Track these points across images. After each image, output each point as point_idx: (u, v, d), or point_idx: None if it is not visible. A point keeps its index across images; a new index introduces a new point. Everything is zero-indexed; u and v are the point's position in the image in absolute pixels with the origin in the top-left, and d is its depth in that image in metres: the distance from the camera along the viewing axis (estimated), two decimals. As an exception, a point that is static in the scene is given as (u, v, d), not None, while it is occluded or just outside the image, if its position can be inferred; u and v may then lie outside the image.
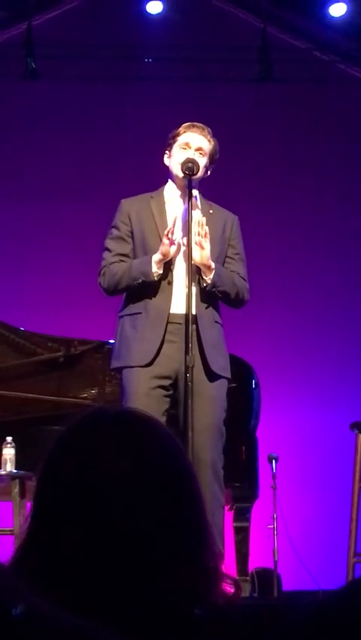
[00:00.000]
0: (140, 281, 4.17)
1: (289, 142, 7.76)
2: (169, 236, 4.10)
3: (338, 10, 7.30)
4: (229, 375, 4.27)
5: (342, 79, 7.81)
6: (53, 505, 1.26)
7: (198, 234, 4.13)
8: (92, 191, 7.45)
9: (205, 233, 4.13)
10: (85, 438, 1.29)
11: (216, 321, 4.27)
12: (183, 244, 4.15)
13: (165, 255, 4.13)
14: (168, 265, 4.19)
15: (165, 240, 4.11)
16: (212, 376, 4.18)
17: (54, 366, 5.53)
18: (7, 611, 0.94)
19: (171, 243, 4.11)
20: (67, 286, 7.30)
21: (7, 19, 7.63)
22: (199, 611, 1.26)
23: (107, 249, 4.35)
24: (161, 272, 4.15)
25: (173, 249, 4.14)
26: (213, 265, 4.17)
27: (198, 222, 4.15)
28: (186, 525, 1.27)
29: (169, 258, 4.15)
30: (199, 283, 4.20)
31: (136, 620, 1.21)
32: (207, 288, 4.18)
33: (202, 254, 4.14)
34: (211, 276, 4.17)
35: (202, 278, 4.18)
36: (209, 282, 4.17)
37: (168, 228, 4.11)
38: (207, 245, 4.13)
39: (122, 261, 4.28)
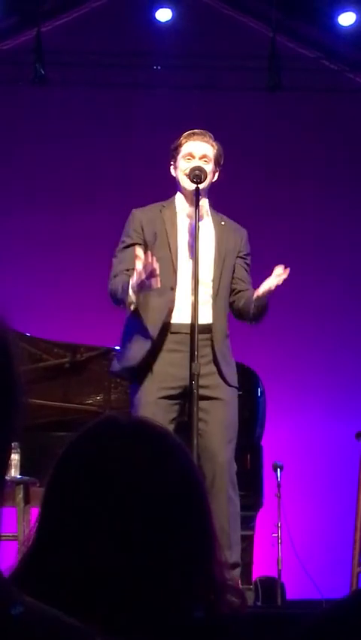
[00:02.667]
0: (122, 305, 4.16)
1: (297, 150, 7.77)
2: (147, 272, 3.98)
3: (347, 20, 7.30)
4: (237, 385, 4.30)
5: (351, 88, 7.81)
6: (62, 511, 1.26)
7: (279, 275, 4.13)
8: (101, 197, 7.46)
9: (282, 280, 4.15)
10: (96, 446, 1.29)
11: (226, 335, 4.29)
12: (191, 257, 4.16)
13: (142, 288, 4.03)
14: (172, 274, 4.19)
15: (139, 275, 3.98)
16: (224, 382, 4.21)
17: (60, 373, 5.53)
18: (7, 611, 0.95)
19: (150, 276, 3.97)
20: (74, 292, 7.30)
21: (17, 26, 7.65)
22: (198, 617, 1.26)
23: (116, 256, 4.34)
24: (135, 301, 4.08)
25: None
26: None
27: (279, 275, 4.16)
28: (193, 535, 1.27)
29: (144, 289, 4.06)
30: (215, 298, 4.22)
31: (139, 626, 1.21)
32: (261, 304, 4.19)
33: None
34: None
35: (258, 298, 4.18)
36: (265, 301, 4.20)
37: (145, 264, 3.95)
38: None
39: (127, 270, 4.24)
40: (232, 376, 4.26)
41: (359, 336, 7.51)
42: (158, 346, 4.15)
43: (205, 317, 4.15)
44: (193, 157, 4.27)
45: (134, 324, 4.22)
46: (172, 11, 7.45)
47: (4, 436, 1.01)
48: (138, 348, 4.17)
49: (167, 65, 7.64)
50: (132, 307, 4.11)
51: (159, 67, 7.69)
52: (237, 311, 4.34)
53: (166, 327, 4.16)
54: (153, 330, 4.15)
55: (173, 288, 4.18)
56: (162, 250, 4.22)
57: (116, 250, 4.36)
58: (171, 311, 4.17)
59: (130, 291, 4.05)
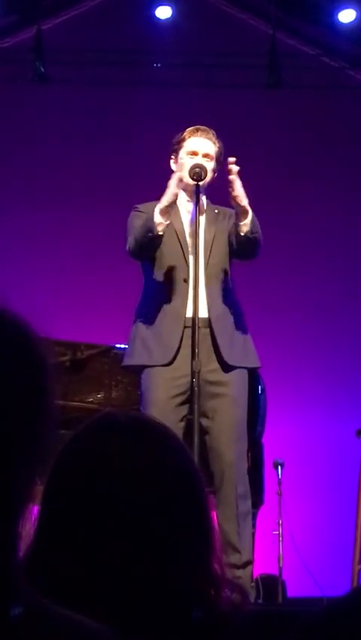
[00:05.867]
0: (148, 237, 4.12)
1: (297, 148, 7.76)
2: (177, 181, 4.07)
3: (347, 17, 7.30)
4: (249, 365, 4.24)
5: (351, 85, 7.81)
6: (61, 509, 1.26)
7: (231, 172, 4.05)
8: (101, 195, 7.45)
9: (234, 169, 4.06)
10: (95, 443, 1.29)
11: (232, 317, 4.24)
12: (192, 254, 4.15)
13: (168, 201, 4.06)
14: (185, 266, 4.18)
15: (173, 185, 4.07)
16: (230, 371, 4.16)
17: (60, 371, 5.52)
18: (6, 612, 0.94)
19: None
20: (74, 291, 7.30)
21: (17, 23, 7.64)
22: (198, 614, 1.26)
23: (133, 218, 4.32)
24: (166, 222, 4.08)
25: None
26: (248, 208, 4.10)
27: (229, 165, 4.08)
28: (192, 532, 1.27)
29: (172, 205, 4.10)
30: (206, 279, 4.18)
31: (140, 622, 1.21)
32: (246, 234, 4.09)
33: (239, 191, 4.06)
34: (249, 218, 4.09)
35: (238, 225, 4.09)
36: (248, 227, 4.09)
37: (179, 174, 4.09)
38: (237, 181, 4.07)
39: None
40: (240, 358, 4.20)
41: (359, 334, 7.51)
42: (179, 342, 4.14)
43: (202, 311, 4.14)
44: (196, 154, 4.27)
45: (149, 319, 4.21)
46: (172, 9, 7.45)
47: (36, 441, 1.00)
48: (168, 346, 4.14)
49: (167, 63, 7.63)
50: (160, 229, 4.08)
51: (158, 65, 7.69)
52: (236, 253, 4.27)
53: (182, 321, 4.15)
54: (173, 324, 4.14)
55: (186, 280, 4.17)
56: (173, 244, 4.23)
57: (129, 220, 4.35)
58: (186, 304, 4.16)
59: (156, 214, 4.06)
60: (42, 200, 7.53)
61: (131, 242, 4.22)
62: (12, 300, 1.08)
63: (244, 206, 4.06)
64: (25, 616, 0.95)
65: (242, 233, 4.10)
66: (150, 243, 4.14)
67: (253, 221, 4.11)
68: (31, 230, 7.49)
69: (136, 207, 4.36)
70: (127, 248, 4.25)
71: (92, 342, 5.64)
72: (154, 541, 1.23)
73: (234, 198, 4.06)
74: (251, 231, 4.10)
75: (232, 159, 4.07)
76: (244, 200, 4.06)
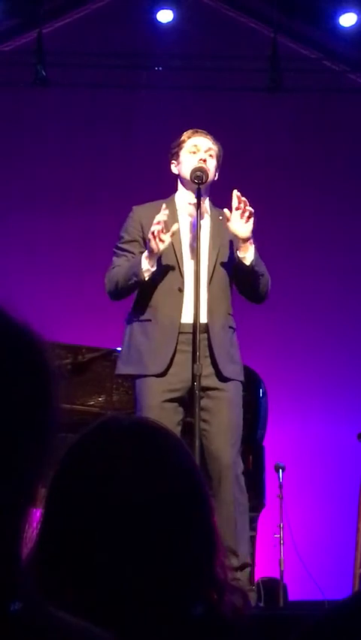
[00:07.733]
0: (132, 281, 4.16)
1: (298, 151, 7.76)
2: (155, 234, 4.03)
3: (348, 20, 7.30)
4: (242, 379, 4.27)
5: (352, 89, 7.81)
6: (65, 512, 1.26)
7: (237, 209, 4.12)
8: (102, 198, 7.45)
9: (245, 204, 4.11)
10: (98, 447, 1.29)
11: (230, 327, 4.26)
12: (192, 258, 4.15)
13: (152, 251, 4.08)
14: (179, 275, 4.19)
15: (150, 237, 4.06)
16: (225, 381, 4.18)
17: (63, 374, 5.51)
18: (6, 607, 0.94)
19: (158, 239, 4.04)
20: (76, 293, 7.30)
21: (19, 27, 7.65)
22: (199, 616, 1.26)
23: (116, 254, 4.34)
24: (153, 269, 4.10)
25: (162, 245, 4.07)
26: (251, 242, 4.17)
27: (236, 196, 4.13)
28: (195, 535, 1.27)
29: (158, 254, 4.11)
30: (208, 290, 4.19)
31: (141, 624, 1.21)
32: (249, 267, 4.16)
33: (248, 227, 4.13)
34: (252, 253, 4.16)
35: (240, 257, 4.16)
36: (250, 260, 4.15)
37: (156, 228, 4.04)
38: (249, 219, 4.13)
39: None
40: (236, 373, 4.23)
41: (360, 336, 7.51)
42: (173, 351, 4.14)
43: (202, 316, 4.14)
44: (198, 150, 4.27)
45: (143, 328, 4.21)
46: (173, 12, 7.44)
47: (39, 444, 1.01)
48: (162, 356, 4.14)
49: (168, 66, 7.63)
50: (147, 275, 4.11)
51: (160, 69, 7.69)
52: (243, 294, 4.35)
53: (177, 328, 4.15)
54: (166, 332, 4.14)
55: (181, 290, 4.17)
56: (168, 253, 4.21)
57: (116, 246, 4.36)
58: (180, 312, 4.17)
59: (143, 260, 4.09)
60: (43, 203, 7.53)
61: (110, 287, 4.25)
62: (12, 301, 1.08)
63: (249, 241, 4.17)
64: (24, 614, 0.95)
65: (247, 265, 4.18)
66: (134, 286, 4.19)
67: (256, 256, 4.21)
68: (31, 231, 7.49)
69: (130, 215, 4.36)
70: (106, 290, 4.28)
71: (93, 346, 5.64)
72: (157, 542, 1.23)
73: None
74: (254, 264, 4.19)
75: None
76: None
